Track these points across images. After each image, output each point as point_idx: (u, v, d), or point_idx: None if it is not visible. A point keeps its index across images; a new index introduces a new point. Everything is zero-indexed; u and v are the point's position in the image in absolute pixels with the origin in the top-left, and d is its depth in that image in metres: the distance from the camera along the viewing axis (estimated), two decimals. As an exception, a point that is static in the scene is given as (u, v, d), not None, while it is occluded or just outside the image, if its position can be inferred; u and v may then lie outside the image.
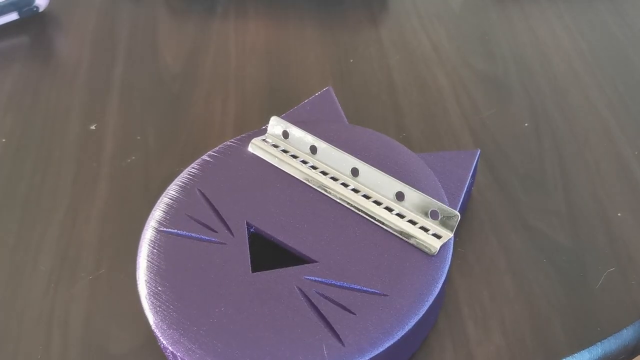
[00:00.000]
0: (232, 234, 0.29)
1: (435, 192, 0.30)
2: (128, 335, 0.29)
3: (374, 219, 0.29)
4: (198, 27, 0.45)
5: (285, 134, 0.33)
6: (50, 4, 0.48)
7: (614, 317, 0.29)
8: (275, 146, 0.33)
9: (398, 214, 0.29)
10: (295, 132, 0.32)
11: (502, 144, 0.37)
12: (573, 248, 0.32)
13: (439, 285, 0.27)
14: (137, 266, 0.28)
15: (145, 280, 0.27)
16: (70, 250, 0.32)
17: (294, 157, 0.32)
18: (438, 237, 0.28)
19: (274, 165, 0.32)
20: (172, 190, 0.31)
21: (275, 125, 0.33)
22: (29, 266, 0.32)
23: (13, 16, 0.45)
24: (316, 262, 0.28)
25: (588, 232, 0.32)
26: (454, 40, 0.44)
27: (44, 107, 0.40)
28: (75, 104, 0.40)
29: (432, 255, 0.28)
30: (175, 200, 0.30)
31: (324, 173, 0.31)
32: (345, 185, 0.31)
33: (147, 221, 0.30)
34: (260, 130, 0.34)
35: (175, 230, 0.29)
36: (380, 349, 0.25)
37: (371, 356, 0.25)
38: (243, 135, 0.34)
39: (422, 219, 0.29)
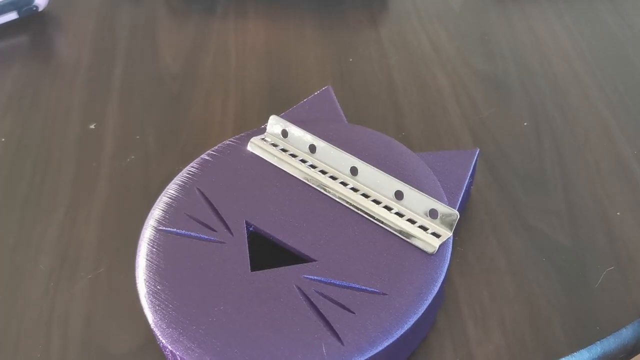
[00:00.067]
0: (231, 233, 0.29)
1: (435, 191, 0.30)
2: (127, 335, 0.29)
3: (373, 218, 0.29)
4: (198, 27, 0.45)
5: (285, 133, 0.33)
6: (49, 3, 0.48)
7: (614, 317, 0.29)
8: (275, 145, 0.33)
9: (397, 213, 0.29)
10: (294, 131, 0.32)
11: (502, 144, 0.36)
12: (573, 248, 0.31)
13: (438, 284, 0.27)
14: (137, 265, 0.28)
15: (145, 279, 0.27)
16: (70, 250, 0.32)
17: (293, 156, 0.32)
18: (437, 236, 0.28)
19: (273, 164, 0.32)
20: (171, 189, 0.31)
21: (275, 124, 0.33)
22: (29, 266, 0.32)
23: (12, 16, 0.45)
24: (315, 261, 0.28)
25: (588, 232, 0.32)
26: (454, 40, 0.44)
27: (43, 107, 0.40)
28: (75, 103, 0.40)
29: (432, 254, 0.28)
30: (174, 199, 0.30)
31: (323, 172, 0.31)
32: (344, 184, 0.31)
33: (147, 220, 0.30)
34: (259, 129, 0.34)
35: (175, 229, 0.29)
36: (380, 348, 0.25)
37: (370, 355, 0.25)
38: (242, 134, 0.34)
39: (421, 218, 0.29)
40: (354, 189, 0.30)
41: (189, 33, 0.45)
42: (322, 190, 0.30)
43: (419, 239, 0.28)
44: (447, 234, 0.28)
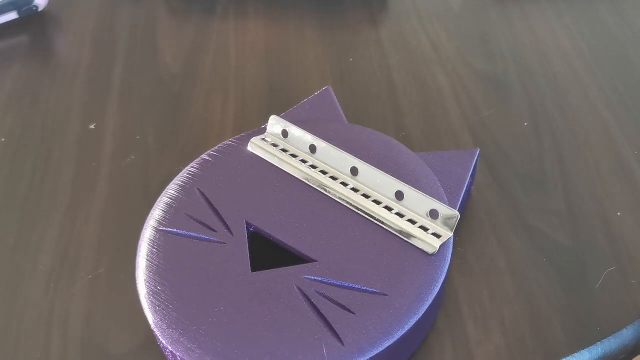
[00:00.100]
0: (231, 233, 0.29)
1: (435, 191, 0.30)
2: (128, 335, 0.29)
3: (374, 218, 0.29)
4: (198, 27, 0.45)
5: (285, 133, 0.33)
6: (49, 3, 0.48)
7: (614, 317, 0.29)
8: (275, 145, 0.32)
9: (398, 214, 0.29)
10: (294, 131, 0.32)
11: (502, 144, 0.36)
12: (573, 248, 0.31)
13: (439, 285, 0.27)
14: (137, 266, 0.28)
15: (145, 280, 0.27)
16: (70, 250, 0.32)
17: (294, 156, 0.32)
18: (438, 236, 0.28)
19: (273, 165, 0.32)
20: (171, 189, 0.31)
21: (275, 125, 0.33)
22: (29, 266, 0.32)
23: (12, 16, 0.45)
24: (316, 261, 0.28)
25: (588, 232, 0.32)
26: (454, 40, 0.44)
27: (43, 107, 0.40)
28: (75, 104, 0.40)
29: (432, 255, 0.28)
30: (174, 199, 0.30)
31: (324, 172, 0.31)
32: (344, 184, 0.31)
33: (147, 221, 0.30)
34: (259, 129, 0.34)
35: (175, 230, 0.29)
36: (380, 349, 0.25)
37: (371, 356, 0.25)
38: (242, 134, 0.34)
39: (421, 218, 0.29)
40: (355, 190, 0.30)
41: (189, 33, 0.45)
42: (323, 191, 0.30)
43: (420, 239, 0.28)
44: (447, 234, 0.28)
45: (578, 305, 0.29)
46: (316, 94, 0.36)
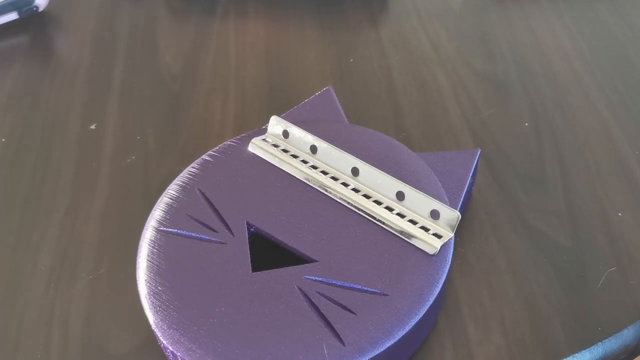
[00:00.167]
0: (232, 233, 0.29)
1: (436, 191, 0.30)
2: (128, 335, 0.29)
3: (375, 218, 0.29)
4: (198, 27, 0.45)
5: (286, 134, 0.33)
6: (49, 3, 0.48)
7: (615, 317, 0.29)
8: (276, 146, 0.32)
9: (398, 214, 0.29)
10: (295, 131, 0.32)
11: (502, 144, 0.37)
12: (573, 248, 0.31)
13: (440, 285, 0.27)
14: (137, 266, 0.28)
15: (145, 280, 0.27)
16: (70, 250, 0.32)
17: (294, 156, 0.32)
18: (438, 236, 0.28)
19: (274, 165, 0.32)
20: (172, 189, 0.31)
21: (276, 125, 0.33)
22: (29, 266, 0.32)
23: (13, 16, 0.45)
24: (316, 261, 0.28)
25: (588, 232, 0.32)
26: (454, 40, 0.44)
27: (44, 107, 0.40)
28: (75, 104, 0.40)
29: (433, 255, 0.28)
30: (175, 199, 0.30)
31: (324, 173, 0.31)
32: (345, 184, 0.31)
33: (147, 221, 0.30)
34: (260, 129, 0.34)
35: (176, 230, 0.29)
36: (381, 349, 0.25)
37: (371, 356, 0.25)
38: (243, 134, 0.34)
39: (422, 218, 0.29)
40: (355, 190, 0.30)
41: (189, 33, 0.45)
42: (323, 191, 0.30)
43: (420, 239, 0.28)
44: (448, 234, 0.28)
45: (578, 305, 0.29)
46: (317, 94, 0.36)
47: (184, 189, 0.31)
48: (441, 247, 0.28)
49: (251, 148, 0.32)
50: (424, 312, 0.26)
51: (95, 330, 0.29)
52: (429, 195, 0.30)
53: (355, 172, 0.31)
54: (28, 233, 0.33)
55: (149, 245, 0.29)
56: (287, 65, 0.42)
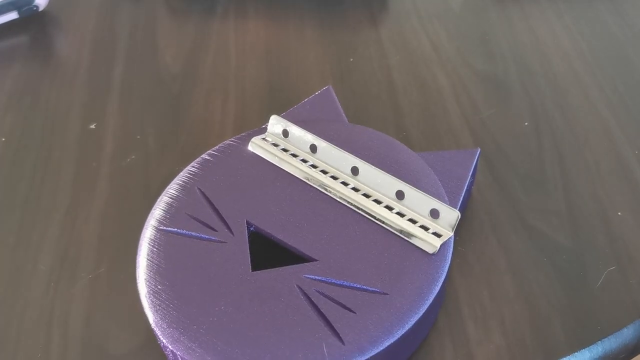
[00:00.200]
0: (232, 232, 0.29)
1: (436, 190, 0.30)
2: (128, 335, 0.29)
3: (374, 217, 0.29)
4: (198, 27, 0.45)
5: (285, 133, 0.33)
6: (49, 3, 0.48)
7: (614, 317, 0.29)
8: (275, 145, 0.33)
9: (398, 213, 0.29)
10: (295, 131, 0.32)
11: (502, 144, 0.37)
12: (573, 248, 0.31)
13: (439, 284, 0.27)
14: (137, 265, 0.28)
15: (145, 279, 0.27)
16: (70, 249, 0.32)
17: (294, 155, 0.32)
18: (438, 235, 0.28)
19: (273, 164, 0.32)
20: (172, 189, 0.31)
21: (275, 124, 0.33)
22: (29, 266, 0.32)
23: (12, 15, 0.45)
24: (316, 260, 0.28)
25: (588, 232, 0.32)
26: (454, 40, 0.44)
27: (44, 107, 0.40)
28: (75, 103, 0.40)
29: (433, 254, 0.28)
30: (175, 199, 0.30)
31: (324, 172, 0.31)
32: (345, 184, 0.31)
33: (147, 220, 0.30)
34: (260, 129, 0.34)
35: (175, 229, 0.29)
36: (381, 348, 0.25)
37: (371, 355, 0.25)
38: (243, 134, 0.34)
39: (422, 217, 0.29)
40: (355, 189, 0.30)
41: (189, 33, 0.45)
42: (323, 190, 0.30)
43: (420, 238, 0.28)
44: (448, 233, 0.28)
45: (578, 305, 0.29)
46: (317, 93, 0.36)
47: (184, 188, 0.31)
48: (441, 246, 0.28)
49: (251, 147, 0.32)
50: (423, 311, 0.26)
51: (95, 329, 0.29)
52: (429, 194, 0.30)
53: (355, 171, 0.31)
54: (28, 233, 0.33)
55: (149, 244, 0.29)
56: (287, 65, 0.42)
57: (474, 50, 0.43)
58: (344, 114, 0.35)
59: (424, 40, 0.44)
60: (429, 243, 0.28)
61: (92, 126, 0.39)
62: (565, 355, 0.28)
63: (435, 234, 0.28)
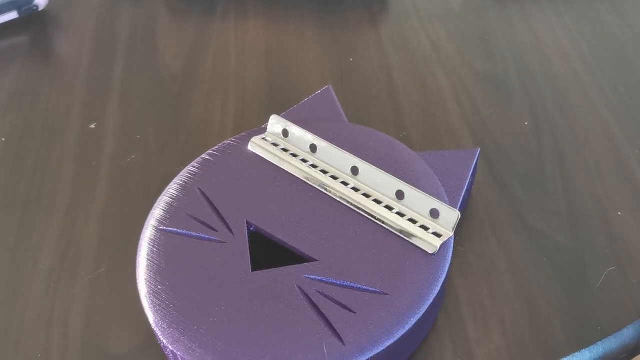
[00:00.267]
0: (232, 232, 0.29)
1: (436, 190, 0.30)
2: (128, 335, 0.29)
3: (374, 217, 0.29)
4: (198, 27, 0.45)
5: (285, 133, 0.33)
6: (49, 3, 0.48)
7: (614, 317, 0.29)
8: (275, 145, 0.33)
9: (398, 213, 0.29)
10: (295, 130, 0.32)
11: (502, 144, 0.37)
12: (573, 248, 0.31)
13: (440, 284, 0.27)
14: (137, 265, 0.28)
15: (145, 279, 0.27)
16: (70, 249, 0.32)
17: (294, 155, 0.32)
18: (438, 235, 0.28)
19: (273, 164, 0.32)
20: (172, 189, 0.31)
21: (275, 124, 0.33)
22: (29, 266, 0.32)
23: (12, 15, 0.45)
24: (316, 260, 0.28)
25: (588, 232, 0.32)
26: (454, 40, 0.44)
27: (44, 106, 0.40)
28: (75, 103, 0.40)
29: (433, 254, 0.28)
30: (175, 199, 0.30)
31: (324, 172, 0.31)
32: (345, 184, 0.31)
33: (147, 220, 0.30)
34: (260, 129, 0.34)
35: (175, 229, 0.29)
36: (381, 348, 0.25)
37: (371, 355, 0.25)
38: (243, 134, 0.34)
39: (422, 217, 0.29)
40: (355, 189, 0.30)
41: (189, 33, 0.45)
42: (323, 190, 0.30)
43: (420, 238, 0.28)
44: (448, 233, 0.28)
45: (578, 305, 0.29)
46: (316, 93, 0.36)
47: (184, 188, 0.31)
48: (441, 246, 0.28)
49: (251, 147, 0.32)
50: (423, 311, 0.26)
51: (95, 329, 0.29)
52: (429, 194, 0.30)
53: (355, 171, 0.31)
54: (28, 233, 0.33)
55: (149, 244, 0.29)
56: (287, 65, 0.42)
57: (474, 50, 0.43)
58: (344, 114, 0.35)
59: (424, 40, 0.44)
60: (429, 243, 0.28)
61: (92, 126, 0.39)
62: (565, 356, 0.28)
63: (435, 234, 0.28)
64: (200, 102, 0.40)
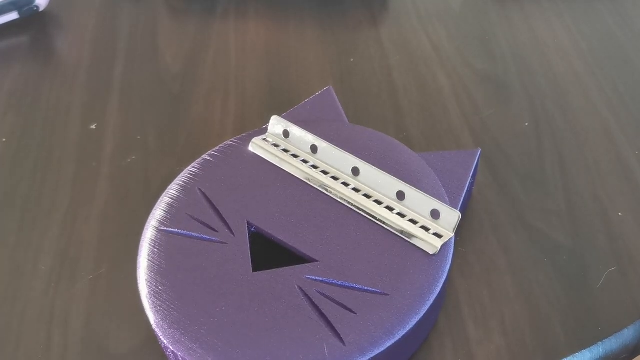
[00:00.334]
0: (232, 233, 0.29)
1: (436, 191, 0.30)
2: (128, 335, 0.29)
3: (375, 218, 0.29)
4: (198, 27, 0.45)
5: (286, 134, 0.33)
6: (50, 3, 0.48)
7: (615, 317, 0.29)
8: (276, 145, 0.33)
9: (399, 214, 0.29)
10: (295, 131, 0.32)
11: (502, 144, 0.37)
12: (573, 248, 0.32)
13: (440, 285, 0.27)
14: (138, 265, 0.28)
15: (146, 280, 0.27)
16: (70, 250, 0.32)
17: (295, 156, 0.32)
18: (439, 236, 0.28)
19: (274, 165, 0.32)
20: (172, 189, 0.31)
21: (276, 125, 0.33)
22: (29, 266, 0.32)
23: (13, 16, 0.45)
24: (317, 261, 0.28)
25: (588, 232, 0.32)
26: (454, 40, 0.44)
27: (44, 107, 0.40)
28: (75, 103, 0.40)
29: (433, 255, 0.28)
30: (175, 199, 0.30)
31: (325, 172, 0.31)
32: (345, 184, 0.31)
33: (148, 220, 0.30)
34: (260, 129, 0.34)
35: (176, 230, 0.29)
36: (381, 349, 0.25)
37: (372, 355, 0.25)
38: (243, 134, 0.34)
39: (423, 218, 0.29)
40: (356, 190, 0.30)
41: (189, 33, 0.45)
42: (324, 191, 0.30)
43: (421, 239, 0.28)
44: (448, 234, 0.28)
45: (578, 305, 0.29)
46: (317, 94, 0.36)
47: (185, 188, 0.31)
48: (441, 246, 0.28)
49: (252, 148, 0.32)
50: (424, 311, 0.26)
51: (95, 330, 0.29)
52: (430, 195, 0.30)
53: (355, 171, 0.31)
54: (28, 233, 0.33)
55: (150, 245, 0.29)
56: (287, 65, 0.42)
57: (474, 50, 0.43)
58: (344, 114, 0.35)
59: (424, 40, 0.44)
60: (430, 244, 0.28)
61: (93, 126, 0.39)
62: (565, 356, 0.28)
63: (436, 234, 0.28)
64: (200, 102, 0.40)
